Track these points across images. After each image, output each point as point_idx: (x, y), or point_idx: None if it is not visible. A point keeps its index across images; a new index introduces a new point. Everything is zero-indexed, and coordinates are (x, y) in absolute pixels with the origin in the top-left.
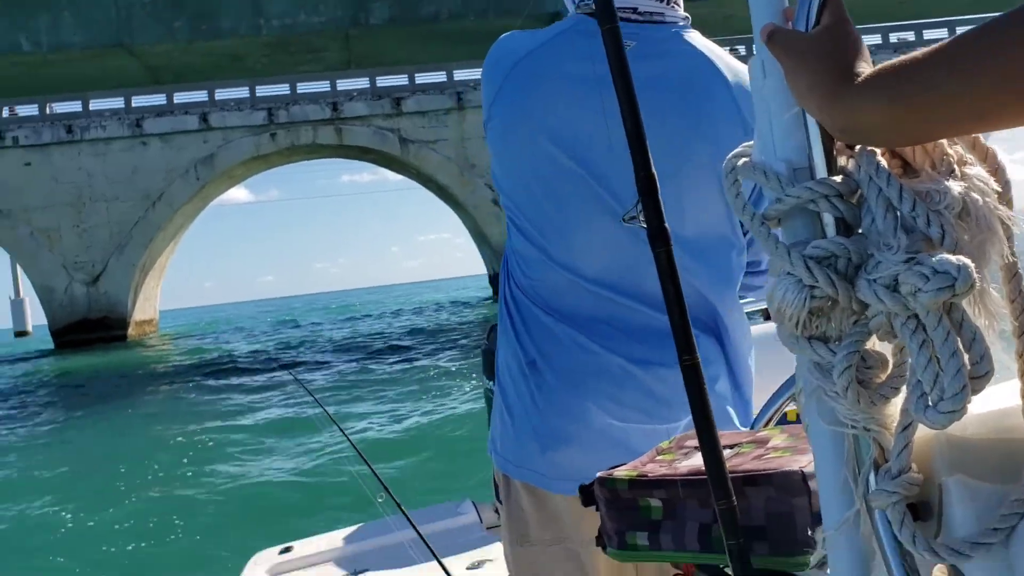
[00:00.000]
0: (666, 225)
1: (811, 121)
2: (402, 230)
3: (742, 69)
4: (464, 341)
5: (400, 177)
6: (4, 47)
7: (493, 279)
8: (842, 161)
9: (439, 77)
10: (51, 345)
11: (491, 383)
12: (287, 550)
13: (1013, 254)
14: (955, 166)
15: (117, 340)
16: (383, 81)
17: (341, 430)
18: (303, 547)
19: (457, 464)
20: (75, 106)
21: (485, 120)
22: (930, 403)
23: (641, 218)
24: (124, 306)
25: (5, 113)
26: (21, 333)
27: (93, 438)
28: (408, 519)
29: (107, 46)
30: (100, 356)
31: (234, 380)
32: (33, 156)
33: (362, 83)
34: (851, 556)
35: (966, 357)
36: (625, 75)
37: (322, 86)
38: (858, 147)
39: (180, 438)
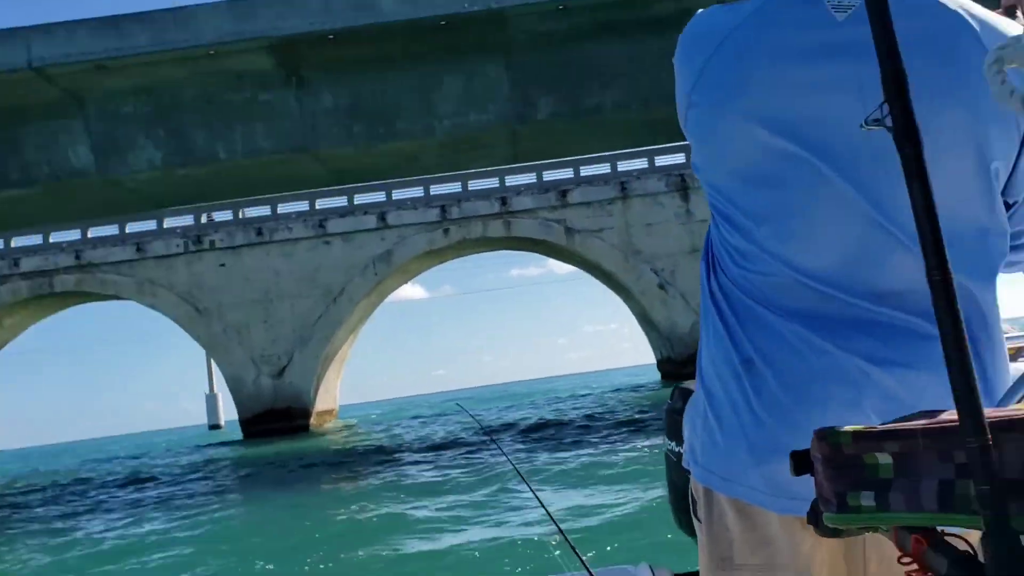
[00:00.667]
0: (917, 122)
1: None
2: (568, 322)
3: (992, 19)
4: (638, 416)
5: (566, 270)
6: (204, 157)
7: (662, 363)
8: None
9: (603, 169)
10: (240, 436)
11: (672, 444)
12: None
13: None
14: None
15: (300, 429)
16: (549, 175)
17: (527, 482)
18: None
19: (634, 529)
20: (265, 210)
21: (683, 110)
22: None
23: (887, 121)
24: (307, 396)
25: (203, 219)
26: (214, 427)
27: (275, 513)
28: (587, 569)
29: (294, 150)
30: (284, 444)
31: (414, 458)
32: (227, 257)
33: (529, 178)
34: None
35: None
36: (889, 34)
37: (491, 182)
38: None
39: (361, 511)
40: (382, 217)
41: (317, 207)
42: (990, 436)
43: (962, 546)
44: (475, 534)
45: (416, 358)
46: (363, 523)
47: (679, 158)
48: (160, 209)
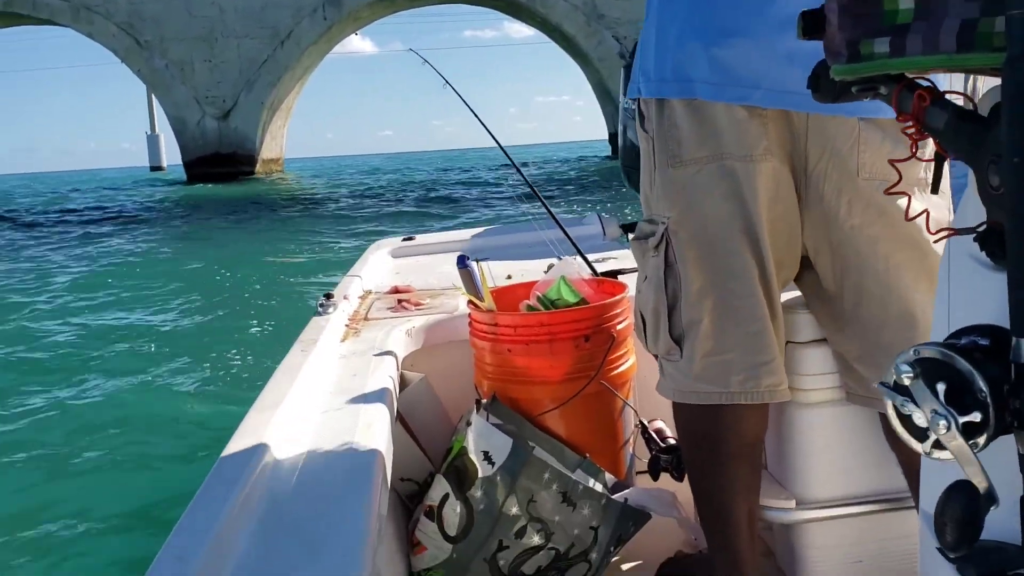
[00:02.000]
0: None
1: None
2: (521, 91)
3: None
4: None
5: (522, 35)
6: None
7: (612, 138)
8: None
9: None
10: (183, 178)
11: (628, 101)
12: (409, 239)
13: None
14: None
15: (245, 175)
16: None
17: (501, 146)
18: (425, 238)
19: (592, 202)
20: None
21: None
22: None
23: None
24: (252, 142)
25: None
26: (156, 168)
27: (228, 248)
28: (544, 205)
29: None
30: (232, 187)
31: (367, 201)
32: None
33: None
34: None
35: None
36: None
37: None
38: None
39: (323, 247)
40: None
41: None
42: None
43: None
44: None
45: (362, 116)
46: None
47: None
48: None
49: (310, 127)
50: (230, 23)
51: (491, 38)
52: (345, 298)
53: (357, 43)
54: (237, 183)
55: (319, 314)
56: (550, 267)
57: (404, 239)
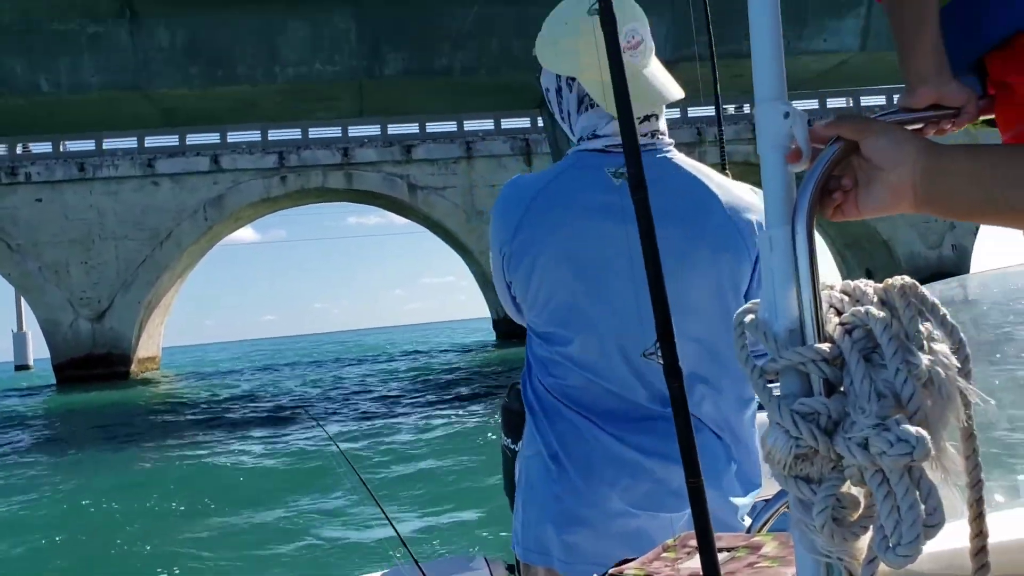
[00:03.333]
0: (680, 365)
1: (805, 293)
2: (406, 273)
3: (726, 183)
4: (475, 387)
5: (406, 220)
6: (23, 87)
7: (497, 323)
8: (829, 329)
9: (449, 127)
10: (52, 380)
11: (508, 440)
12: None
13: (969, 419)
14: (924, 342)
15: (119, 377)
16: (394, 129)
17: (362, 481)
18: None
19: (471, 514)
20: (88, 145)
21: (502, 255)
22: (890, 545)
23: (658, 355)
24: (128, 343)
25: (19, 150)
26: (22, 367)
27: (96, 476)
28: (418, 566)
29: (124, 89)
30: (104, 393)
31: (241, 421)
32: (45, 192)
33: (373, 130)
34: None
35: (922, 508)
36: (651, 237)
37: (333, 131)
38: (845, 315)
39: (187, 478)
40: (215, 160)
41: (146, 145)
42: None
43: None
44: (304, 519)
45: (244, 302)
46: (180, 494)
47: (524, 122)
48: None
49: (188, 314)
50: (108, 226)
51: (375, 224)
52: None
53: (238, 232)
54: (110, 388)
55: None
56: None
57: None
